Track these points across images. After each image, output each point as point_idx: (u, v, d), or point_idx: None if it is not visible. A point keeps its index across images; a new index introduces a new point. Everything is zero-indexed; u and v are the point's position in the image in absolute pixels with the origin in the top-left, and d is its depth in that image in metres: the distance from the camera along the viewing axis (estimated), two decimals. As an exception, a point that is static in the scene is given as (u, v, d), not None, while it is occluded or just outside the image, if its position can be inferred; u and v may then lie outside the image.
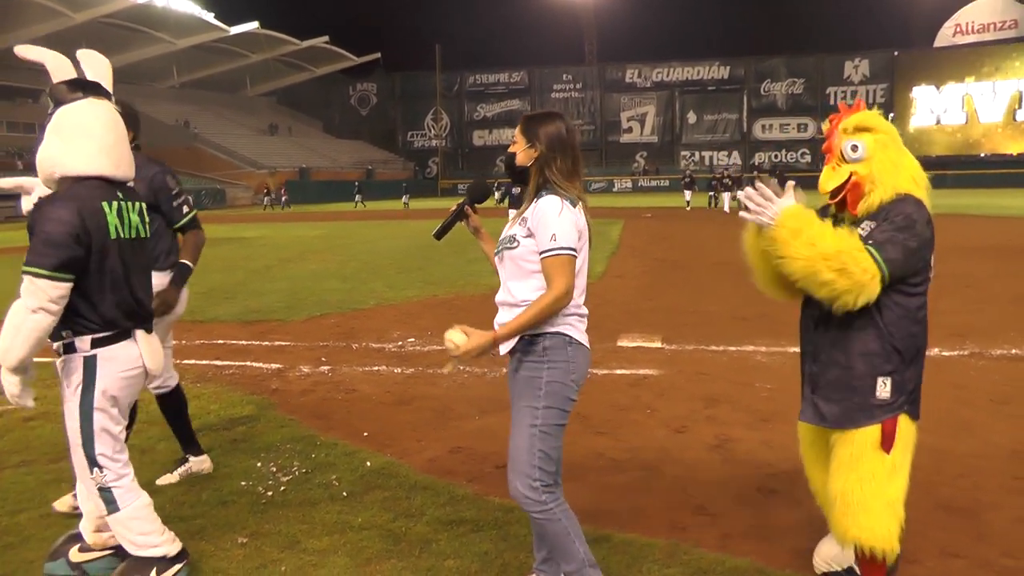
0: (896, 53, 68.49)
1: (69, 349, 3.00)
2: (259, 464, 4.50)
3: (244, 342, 8.10)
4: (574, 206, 2.72)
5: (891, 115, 65.39)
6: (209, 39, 63.78)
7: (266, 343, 8.03)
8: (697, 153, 72.45)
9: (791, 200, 2.70)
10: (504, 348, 2.80)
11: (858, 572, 3.02)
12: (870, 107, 2.90)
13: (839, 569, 3.14)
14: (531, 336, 2.74)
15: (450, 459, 4.60)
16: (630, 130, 74.60)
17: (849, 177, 2.77)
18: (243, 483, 4.23)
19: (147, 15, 57.40)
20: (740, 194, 3.06)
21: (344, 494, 4.05)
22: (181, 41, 61.44)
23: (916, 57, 67.90)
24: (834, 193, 2.82)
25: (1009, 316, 8.50)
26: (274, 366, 6.98)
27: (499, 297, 2.87)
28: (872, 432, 2.77)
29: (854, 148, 2.77)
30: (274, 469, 4.42)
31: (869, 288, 2.61)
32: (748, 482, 4.16)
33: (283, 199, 49.32)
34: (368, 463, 4.48)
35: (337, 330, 8.62)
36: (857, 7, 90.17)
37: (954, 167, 58.90)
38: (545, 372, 2.74)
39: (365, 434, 5.05)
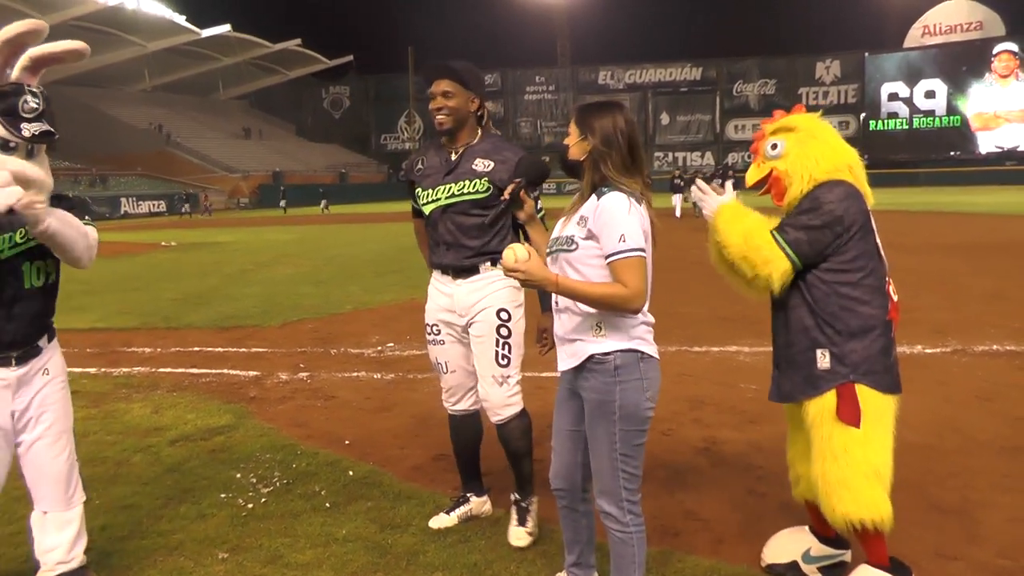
0: (867, 54, 69.34)
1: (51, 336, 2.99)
2: (239, 475, 4.38)
3: (220, 349, 7.95)
4: (639, 203, 2.54)
5: (862, 115, 66.34)
6: (180, 42, 63.17)
7: (243, 349, 7.89)
8: (671, 154, 72.81)
9: (729, 196, 3.00)
10: (564, 364, 2.65)
11: (802, 566, 3.15)
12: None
13: (784, 563, 3.18)
14: (602, 354, 2.55)
15: (434, 466, 4.51)
16: (604, 131, 74.78)
17: (770, 172, 3.00)
18: (222, 495, 4.11)
19: (117, 18, 56.79)
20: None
21: (327, 505, 3.94)
22: (152, 44, 60.81)
23: (886, 58, 68.84)
24: (758, 186, 3.07)
25: (987, 312, 8.55)
26: (251, 373, 6.85)
27: (560, 302, 2.65)
28: (825, 402, 2.85)
29: (773, 147, 3.00)
30: (254, 480, 4.30)
31: (778, 267, 2.82)
32: (738, 485, 4.11)
33: (204, 206, 48.90)
34: (351, 472, 4.38)
35: (314, 335, 8.49)
36: (828, 10, 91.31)
37: (925, 165, 59.74)
38: (618, 394, 2.54)
39: (347, 442, 4.95)
